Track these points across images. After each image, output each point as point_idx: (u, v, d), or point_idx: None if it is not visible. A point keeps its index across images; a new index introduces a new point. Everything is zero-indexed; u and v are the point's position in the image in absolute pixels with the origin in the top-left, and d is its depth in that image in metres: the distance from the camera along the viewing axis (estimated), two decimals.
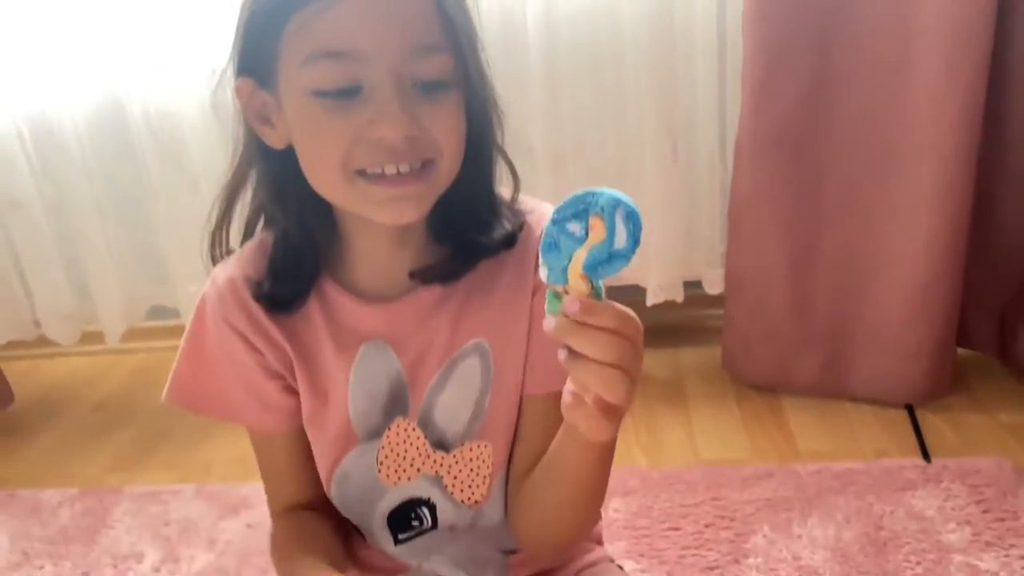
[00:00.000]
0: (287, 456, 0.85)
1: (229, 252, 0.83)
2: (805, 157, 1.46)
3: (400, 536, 0.84)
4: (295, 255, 0.78)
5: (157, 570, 1.34)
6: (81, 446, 1.75)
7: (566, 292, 0.57)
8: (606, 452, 0.70)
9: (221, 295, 0.80)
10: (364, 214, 0.73)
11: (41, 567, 1.37)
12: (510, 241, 0.77)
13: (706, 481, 1.39)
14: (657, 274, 1.74)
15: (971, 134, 1.37)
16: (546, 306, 0.58)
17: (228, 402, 0.84)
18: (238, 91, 0.73)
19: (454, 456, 0.81)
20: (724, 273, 1.65)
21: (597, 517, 0.89)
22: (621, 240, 0.55)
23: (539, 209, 0.79)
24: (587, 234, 0.55)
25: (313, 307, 0.80)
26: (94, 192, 1.84)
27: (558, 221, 0.56)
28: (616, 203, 0.54)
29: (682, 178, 1.69)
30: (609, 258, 0.55)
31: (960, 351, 1.60)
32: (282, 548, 0.84)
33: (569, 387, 0.60)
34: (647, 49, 1.58)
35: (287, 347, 0.80)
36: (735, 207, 1.56)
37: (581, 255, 0.55)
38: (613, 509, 1.35)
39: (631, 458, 1.49)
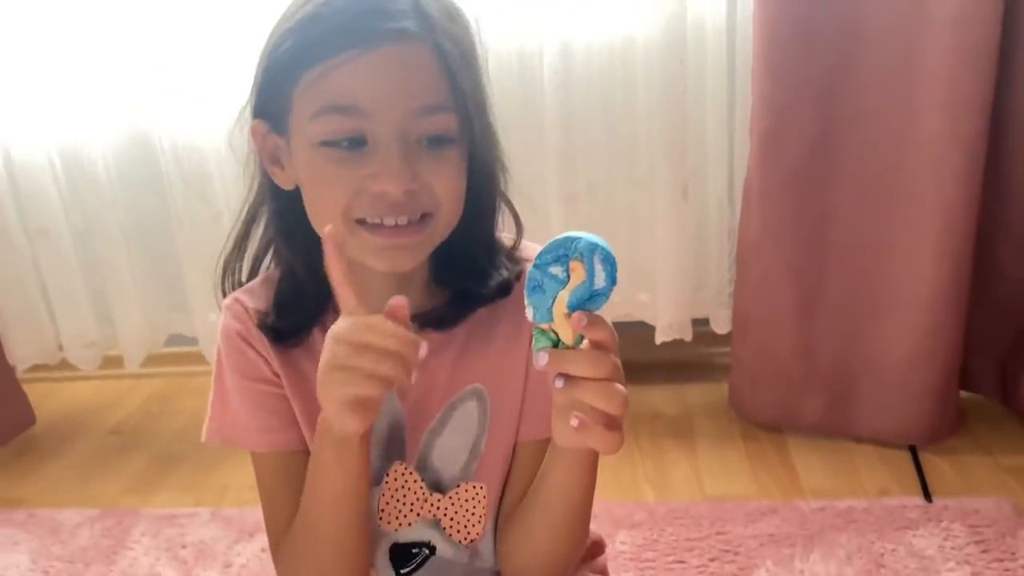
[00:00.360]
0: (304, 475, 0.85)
1: (240, 285, 0.86)
2: (811, 204, 1.50)
3: (402, 571, 0.86)
4: (300, 290, 0.80)
5: None
6: (99, 468, 1.78)
7: (551, 330, 0.62)
8: (594, 466, 0.74)
9: (237, 315, 0.83)
10: (362, 261, 0.75)
11: None
12: (505, 289, 0.80)
13: (711, 516, 1.42)
14: (666, 313, 1.77)
15: (972, 183, 1.40)
16: (533, 344, 0.63)
17: (253, 428, 0.85)
18: (253, 132, 0.77)
19: (450, 498, 0.83)
20: (731, 314, 1.68)
21: (584, 546, 0.90)
22: (600, 280, 0.60)
23: None
24: (568, 276, 0.61)
25: (319, 344, 0.81)
26: (120, 223, 1.88)
27: (540, 265, 0.61)
28: (594, 247, 0.60)
29: (692, 221, 1.73)
30: (591, 297, 0.61)
31: (963, 394, 1.62)
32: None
33: (573, 413, 0.63)
34: (659, 96, 1.63)
35: (283, 381, 0.82)
36: (743, 251, 1.60)
37: (564, 296, 0.61)
38: (620, 542, 1.37)
39: (638, 492, 1.52)
